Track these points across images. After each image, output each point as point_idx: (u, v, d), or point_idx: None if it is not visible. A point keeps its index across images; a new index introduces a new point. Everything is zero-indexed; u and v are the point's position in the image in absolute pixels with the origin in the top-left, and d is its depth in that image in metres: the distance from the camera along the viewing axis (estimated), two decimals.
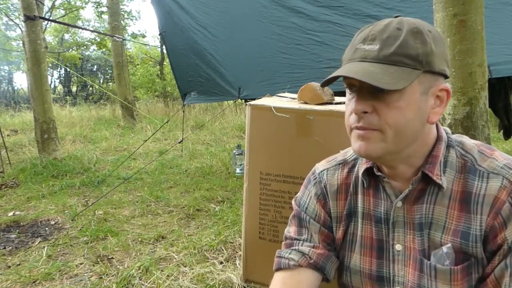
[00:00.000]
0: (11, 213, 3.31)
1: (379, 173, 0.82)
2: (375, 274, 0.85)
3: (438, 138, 0.79)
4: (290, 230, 0.94)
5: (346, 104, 0.77)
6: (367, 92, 0.71)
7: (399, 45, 0.68)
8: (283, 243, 0.94)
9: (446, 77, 0.75)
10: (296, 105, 1.88)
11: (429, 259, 0.78)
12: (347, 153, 0.95)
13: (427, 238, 0.78)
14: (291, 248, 0.91)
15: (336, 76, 0.72)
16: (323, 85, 0.76)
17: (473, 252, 0.74)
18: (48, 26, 13.94)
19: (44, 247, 2.61)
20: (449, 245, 0.76)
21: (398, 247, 0.82)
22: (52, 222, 3.09)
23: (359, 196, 0.88)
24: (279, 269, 0.90)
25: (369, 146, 0.72)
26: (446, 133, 0.82)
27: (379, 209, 0.84)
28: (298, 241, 0.91)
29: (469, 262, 0.75)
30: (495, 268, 0.73)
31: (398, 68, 0.68)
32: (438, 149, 0.78)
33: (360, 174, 0.88)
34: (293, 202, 0.98)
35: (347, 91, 0.77)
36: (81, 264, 2.38)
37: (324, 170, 0.94)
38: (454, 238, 0.76)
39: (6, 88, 16.53)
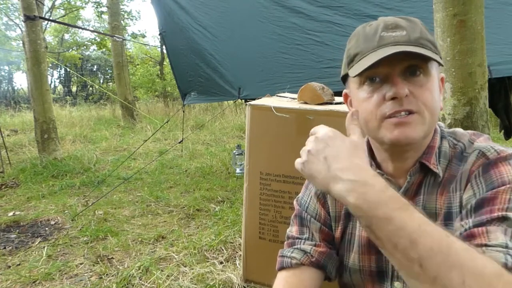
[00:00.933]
0: (11, 213, 3.31)
1: (378, 171, 0.83)
2: (375, 270, 0.85)
3: (434, 130, 0.82)
4: (292, 229, 0.95)
5: (366, 98, 0.75)
6: (398, 77, 0.72)
7: (421, 31, 0.73)
8: (285, 242, 0.95)
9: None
10: (296, 105, 1.88)
11: None
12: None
13: None
14: (293, 247, 0.91)
15: (378, 59, 0.69)
16: (366, 70, 0.71)
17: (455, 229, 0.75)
18: (48, 26, 13.95)
19: (44, 247, 2.61)
20: None
21: None
22: (52, 222, 3.10)
23: None
24: (281, 268, 0.90)
25: (411, 130, 0.71)
26: (438, 125, 0.84)
27: None
28: (299, 240, 0.92)
29: None
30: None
31: (428, 50, 0.71)
32: (434, 140, 0.80)
33: None
34: (294, 202, 0.99)
35: (366, 84, 0.75)
36: (81, 264, 2.38)
37: None
38: (445, 221, 0.76)
39: (6, 88, 16.54)
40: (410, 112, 0.71)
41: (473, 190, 0.71)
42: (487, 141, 0.79)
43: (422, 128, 0.72)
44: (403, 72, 0.72)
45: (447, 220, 0.76)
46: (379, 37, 0.72)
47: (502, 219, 0.64)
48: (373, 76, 0.74)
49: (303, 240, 0.91)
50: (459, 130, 0.84)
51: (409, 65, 0.72)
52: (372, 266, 0.85)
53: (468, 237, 0.66)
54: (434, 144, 0.80)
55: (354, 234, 0.88)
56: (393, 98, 0.71)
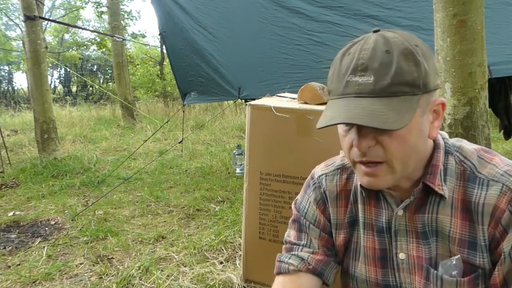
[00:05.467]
0: (11, 213, 3.31)
1: None
2: (381, 283, 0.84)
3: (435, 146, 0.78)
4: (290, 234, 0.94)
5: (343, 135, 0.74)
6: (363, 127, 0.68)
7: (395, 73, 0.64)
8: (283, 246, 0.94)
9: (436, 89, 0.73)
10: (296, 105, 1.88)
11: (436, 269, 0.76)
12: (345, 157, 0.94)
13: (435, 246, 0.77)
14: (291, 253, 0.91)
15: (336, 122, 0.67)
16: (322, 127, 0.69)
17: (480, 263, 0.73)
18: (48, 26, 13.95)
19: (44, 247, 2.61)
20: (458, 256, 0.74)
21: (401, 255, 0.81)
22: (52, 222, 3.10)
23: (360, 206, 0.87)
24: (279, 273, 0.90)
25: (378, 181, 0.71)
26: (443, 138, 0.80)
27: (381, 219, 0.83)
28: (297, 246, 0.91)
29: (476, 273, 0.74)
30: (498, 279, 0.72)
31: (399, 99, 0.65)
32: (437, 158, 0.76)
33: (359, 184, 0.86)
34: (292, 205, 0.97)
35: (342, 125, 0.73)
36: (81, 264, 2.38)
37: (322, 174, 0.93)
38: (462, 248, 0.74)
39: (6, 88, 16.53)
40: (377, 162, 0.69)
41: None
42: (502, 160, 0.76)
43: (390, 177, 0.71)
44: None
45: (470, 250, 0.74)
46: (346, 82, 0.67)
47: None
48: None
49: (300, 247, 0.90)
50: (466, 145, 0.80)
51: None
52: (378, 279, 0.85)
53: None
54: (438, 162, 0.76)
55: (359, 244, 0.87)
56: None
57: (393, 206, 0.81)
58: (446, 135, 0.83)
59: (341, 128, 0.74)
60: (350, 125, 0.71)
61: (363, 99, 0.65)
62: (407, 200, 0.77)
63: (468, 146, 0.80)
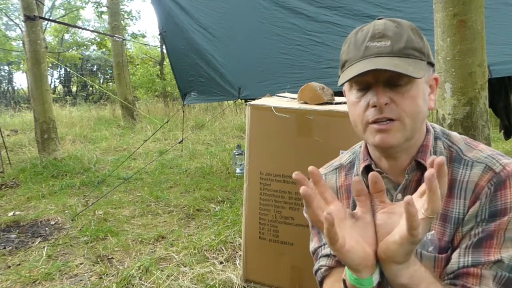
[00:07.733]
0: (11, 213, 3.31)
1: (377, 169, 0.85)
2: None
3: (427, 130, 0.86)
4: (313, 242, 0.98)
5: (355, 102, 0.80)
6: (382, 85, 0.76)
7: (407, 40, 0.76)
8: (313, 257, 0.97)
9: (433, 65, 0.83)
10: (296, 105, 1.88)
11: None
12: (342, 158, 0.99)
13: None
14: (318, 257, 0.94)
15: (363, 71, 0.73)
16: (347, 80, 0.76)
17: (456, 236, 0.78)
18: (48, 26, 13.95)
19: (44, 247, 2.61)
20: (433, 232, 0.80)
21: None
22: (52, 222, 3.10)
23: None
24: (320, 283, 0.93)
25: (390, 137, 0.76)
26: (433, 127, 0.88)
27: None
28: (320, 248, 0.94)
29: (451, 250, 0.79)
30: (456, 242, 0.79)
31: (412, 60, 0.75)
32: (428, 140, 0.84)
33: (358, 174, 0.90)
34: (305, 214, 1.00)
35: (355, 90, 0.80)
36: (81, 264, 2.38)
37: (322, 175, 0.96)
38: (441, 221, 0.80)
39: (6, 88, 16.53)
40: (390, 120, 0.76)
41: (478, 210, 0.76)
42: (487, 147, 0.82)
43: (403, 134, 0.77)
44: (386, 81, 0.76)
45: (447, 223, 0.79)
46: (365, 47, 0.76)
47: (496, 262, 0.72)
48: (362, 83, 0.78)
49: (323, 246, 0.94)
50: (454, 133, 0.88)
51: (391, 75, 0.75)
52: None
53: (464, 274, 0.74)
54: (428, 143, 0.83)
55: None
56: (375, 106, 0.76)
57: (392, 191, 0.86)
58: (435, 124, 0.90)
59: (354, 95, 0.80)
60: (365, 90, 0.78)
61: (383, 58, 0.75)
62: (404, 180, 0.83)
63: (455, 134, 0.88)
